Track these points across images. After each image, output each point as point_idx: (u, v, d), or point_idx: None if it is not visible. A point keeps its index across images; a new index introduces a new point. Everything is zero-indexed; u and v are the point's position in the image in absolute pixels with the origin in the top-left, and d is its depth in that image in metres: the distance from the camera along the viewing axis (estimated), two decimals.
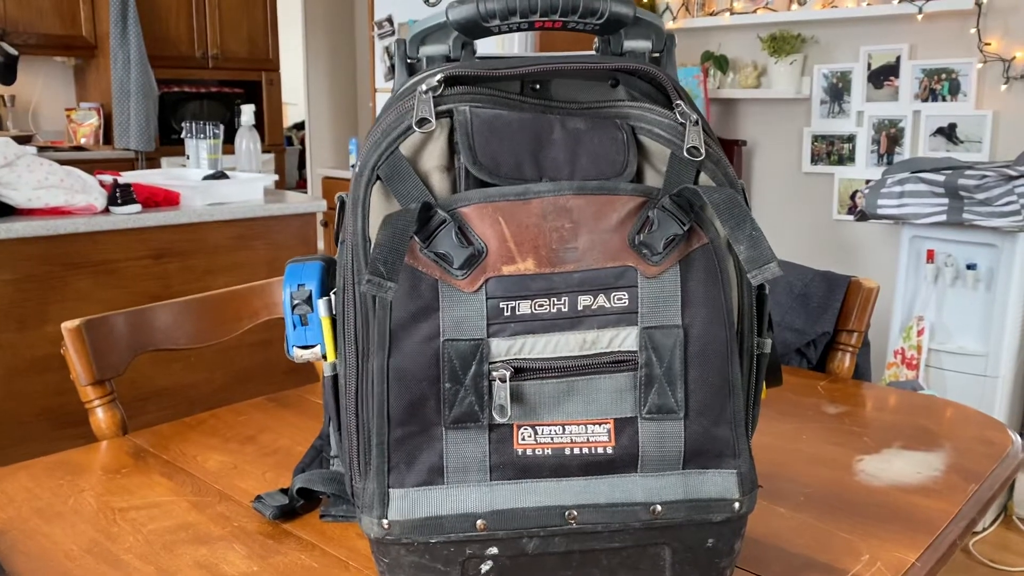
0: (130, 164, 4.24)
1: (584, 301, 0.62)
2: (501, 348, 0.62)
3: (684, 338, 0.63)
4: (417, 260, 0.61)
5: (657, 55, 0.72)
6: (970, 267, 2.42)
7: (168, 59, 4.43)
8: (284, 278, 0.71)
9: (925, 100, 2.80)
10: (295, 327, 0.70)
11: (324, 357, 0.70)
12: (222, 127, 2.61)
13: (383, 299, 0.61)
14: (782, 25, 3.05)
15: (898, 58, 2.84)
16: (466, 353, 0.61)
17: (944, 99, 2.75)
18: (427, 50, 0.70)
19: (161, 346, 1.17)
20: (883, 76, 2.89)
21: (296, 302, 0.70)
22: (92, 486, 0.90)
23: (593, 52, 0.73)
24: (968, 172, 2.27)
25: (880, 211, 2.43)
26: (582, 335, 0.62)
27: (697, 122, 0.66)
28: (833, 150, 3.04)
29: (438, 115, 0.63)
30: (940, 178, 2.31)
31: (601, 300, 0.62)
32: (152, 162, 4.29)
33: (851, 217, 2.98)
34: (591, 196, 0.62)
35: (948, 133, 2.75)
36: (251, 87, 4.83)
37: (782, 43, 3.01)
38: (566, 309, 0.62)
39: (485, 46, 3.75)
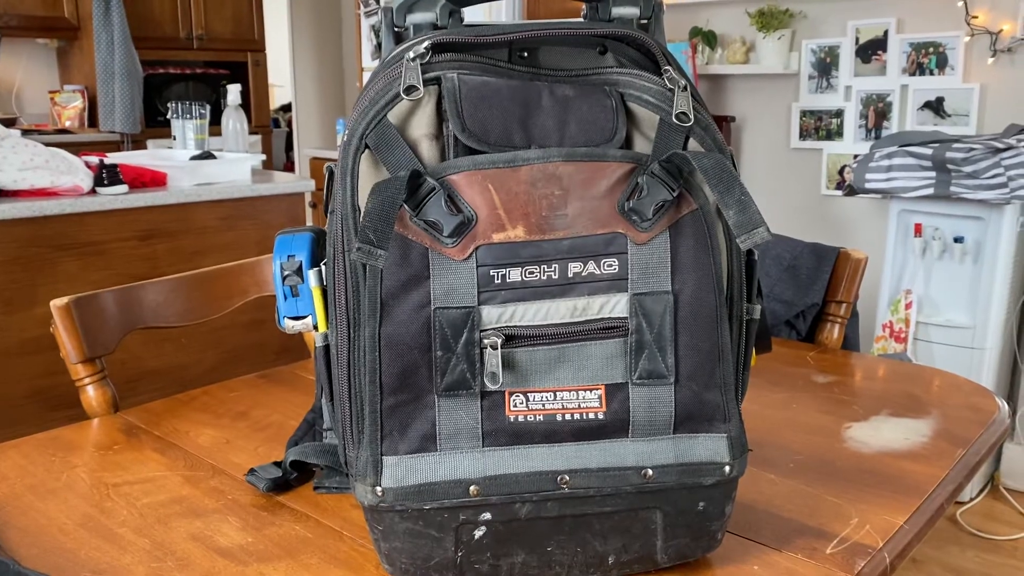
0: (116, 147, 4.20)
1: (574, 268, 0.62)
2: (492, 316, 0.62)
3: (674, 304, 0.63)
4: (407, 228, 0.61)
5: (645, 22, 0.71)
6: (957, 240, 2.43)
7: (152, 40, 4.38)
8: (274, 249, 0.71)
9: (913, 74, 2.79)
10: (286, 298, 0.70)
11: (315, 327, 0.70)
12: (208, 107, 2.59)
13: (374, 268, 0.61)
14: (770, 0, 3.05)
15: (886, 32, 2.84)
16: (457, 321, 0.61)
17: (931, 73, 2.75)
18: (414, 18, 0.70)
19: (151, 323, 1.16)
20: (871, 50, 2.88)
21: (286, 273, 0.70)
22: (85, 462, 0.90)
23: (581, 19, 0.73)
24: (955, 145, 2.27)
25: (868, 185, 2.44)
26: (572, 302, 0.63)
27: (686, 88, 0.66)
28: (821, 125, 3.04)
29: (426, 82, 0.63)
30: (927, 151, 2.31)
31: (591, 267, 0.62)
32: (138, 144, 4.25)
33: (839, 192, 2.99)
34: (580, 163, 0.63)
35: (936, 107, 2.75)
36: (237, 68, 4.79)
37: (770, 18, 3.01)
38: (556, 276, 0.62)
39: (472, 15, 3.69)
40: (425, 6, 0.70)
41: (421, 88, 0.63)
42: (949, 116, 2.73)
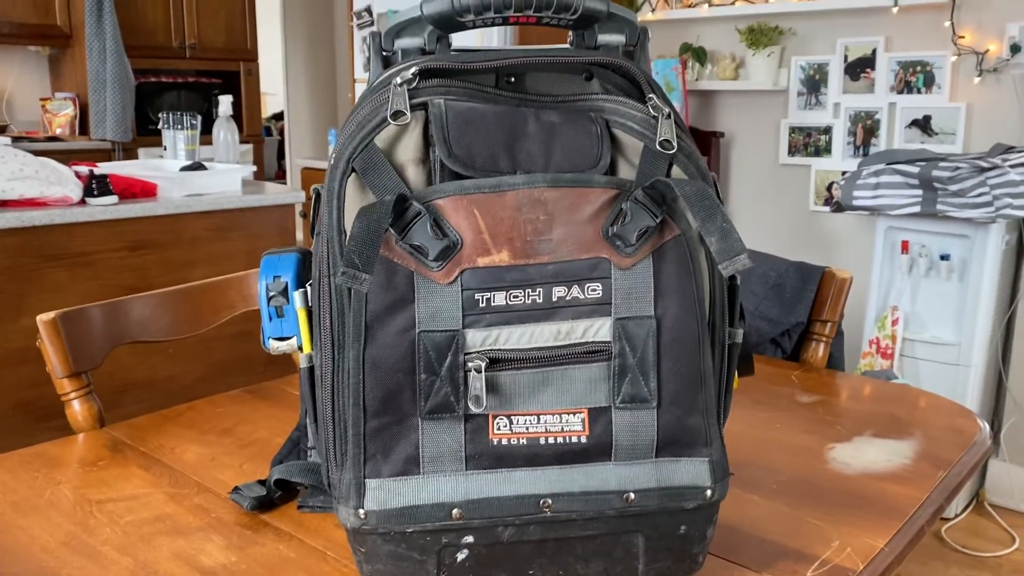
0: (107, 155, 4.19)
1: (558, 292, 0.63)
2: (476, 339, 0.62)
3: (657, 328, 0.64)
4: (392, 252, 0.62)
5: (631, 49, 0.72)
6: (944, 258, 2.44)
7: (145, 49, 4.37)
8: (260, 270, 0.71)
9: (900, 92, 2.81)
10: (271, 319, 0.70)
11: (300, 348, 0.70)
12: (200, 118, 2.59)
13: (358, 291, 0.61)
14: (760, 17, 3.07)
15: (874, 50, 2.86)
16: (441, 344, 0.62)
17: (919, 91, 2.77)
18: (402, 43, 0.71)
19: (138, 338, 1.16)
20: (859, 68, 2.90)
21: (272, 294, 0.70)
22: (69, 479, 0.90)
23: (567, 46, 0.74)
24: (942, 164, 2.28)
25: (856, 202, 2.45)
26: (556, 326, 0.63)
27: (669, 115, 0.66)
28: (810, 142, 3.05)
29: (413, 108, 0.64)
30: (914, 170, 2.33)
31: (575, 291, 0.63)
32: (129, 153, 4.24)
33: (827, 208, 3.00)
34: (565, 189, 0.63)
35: (923, 125, 2.77)
36: (229, 77, 4.79)
37: (760, 35, 3.02)
38: (541, 300, 0.63)
39: (465, 39, 3.69)
40: (413, 31, 0.70)
41: (408, 113, 0.63)
42: (936, 134, 2.75)
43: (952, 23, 2.67)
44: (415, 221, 0.62)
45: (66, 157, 2.82)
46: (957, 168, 2.24)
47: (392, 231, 0.62)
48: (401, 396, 0.62)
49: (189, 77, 4.60)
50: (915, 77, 2.77)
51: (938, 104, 2.73)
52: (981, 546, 2.44)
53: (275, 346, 0.71)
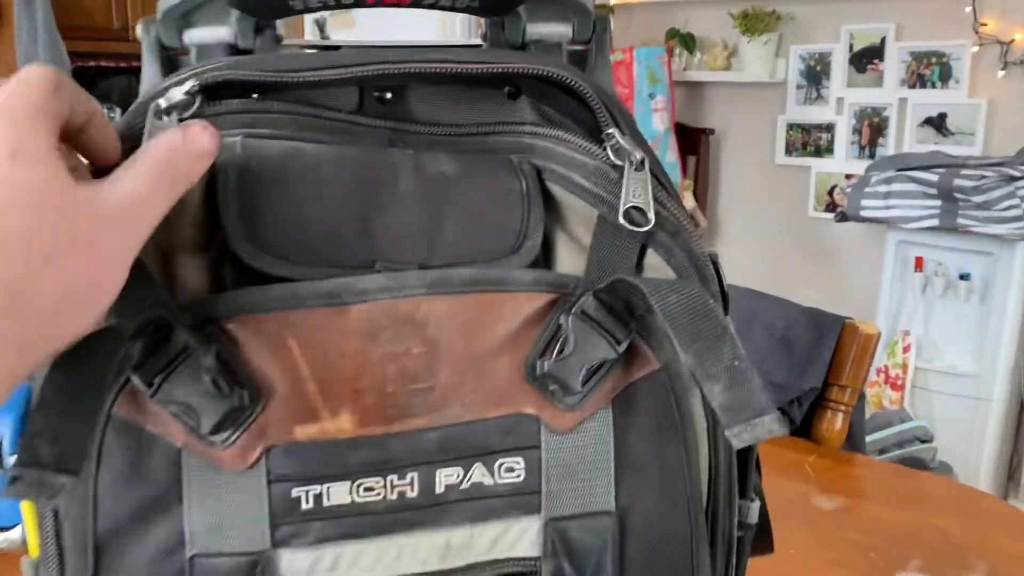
0: None
1: (447, 478, 0.38)
2: (298, 565, 0.37)
3: (619, 532, 0.39)
4: (144, 414, 0.36)
5: (581, 48, 0.46)
6: (963, 277, 2.32)
7: (82, 30, 4.16)
8: None
9: (912, 87, 2.69)
10: None
11: (26, 549, 0.43)
12: (118, 110, 2.31)
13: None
14: (755, 0, 2.94)
15: (883, 39, 2.73)
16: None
17: (934, 86, 2.65)
18: (198, 35, 0.43)
19: None
20: (866, 59, 2.78)
21: None
22: None
23: (479, 43, 0.47)
24: (964, 171, 2.15)
25: (864, 213, 2.33)
26: (444, 535, 0.38)
27: (643, 163, 0.39)
28: (810, 140, 2.94)
29: None
30: (933, 177, 2.19)
31: (478, 474, 0.38)
32: None
33: (829, 215, 2.91)
34: (461, 296, 0.37)
35: (937, 124, 2.64)
36: None
37: (755, 20, 2.90)
38: (414, 494, 0.37)
39: (426, 32, 3.05)
40: (213, 16, 0.42)
41: None
42: (952, 134, 2.62)
43: (973, 9, 2.53)
44: (182, 360, 0.35)
45: None
46: (982, 177, 2.11)
47: (137, 379, 0.35)
48: None
49: (133, 61, 4.34)
50: (929, 70, 2.65)
51: (955, 100, 2.61)
52: None
53: None
